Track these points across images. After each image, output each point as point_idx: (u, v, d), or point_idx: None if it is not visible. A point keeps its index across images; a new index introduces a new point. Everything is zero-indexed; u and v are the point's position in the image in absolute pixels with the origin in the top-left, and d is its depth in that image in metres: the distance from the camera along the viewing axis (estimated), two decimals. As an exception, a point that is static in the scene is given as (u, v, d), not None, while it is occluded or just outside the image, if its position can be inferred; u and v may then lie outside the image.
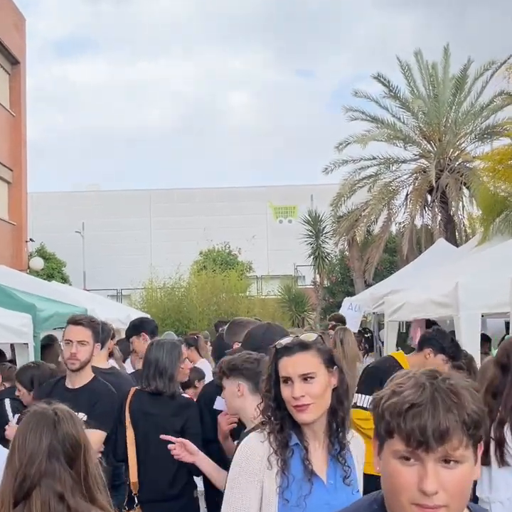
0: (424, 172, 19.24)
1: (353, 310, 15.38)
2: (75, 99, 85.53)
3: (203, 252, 35.76)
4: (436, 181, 18.39)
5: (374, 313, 14.21)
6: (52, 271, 36.74)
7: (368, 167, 19.86)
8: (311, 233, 22.22)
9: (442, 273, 10.11)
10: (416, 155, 19.95)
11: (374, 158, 19.81)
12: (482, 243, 11.87)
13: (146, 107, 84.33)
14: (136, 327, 6.57)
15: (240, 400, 3.47)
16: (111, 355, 9.24)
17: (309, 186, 39.97)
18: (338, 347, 7.98)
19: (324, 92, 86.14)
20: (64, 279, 37.16)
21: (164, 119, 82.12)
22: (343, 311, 15.42)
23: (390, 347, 10.65)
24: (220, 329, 6.61)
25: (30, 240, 26.53)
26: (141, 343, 6.26)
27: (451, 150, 19.42)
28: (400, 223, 20.54)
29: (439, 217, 18.89)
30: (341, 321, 12.93)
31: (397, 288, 12.38)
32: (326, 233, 22.16)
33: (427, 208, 19.45)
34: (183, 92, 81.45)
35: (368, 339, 13.58)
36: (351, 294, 22.75)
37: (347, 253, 26.45)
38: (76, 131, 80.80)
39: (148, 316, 11.98)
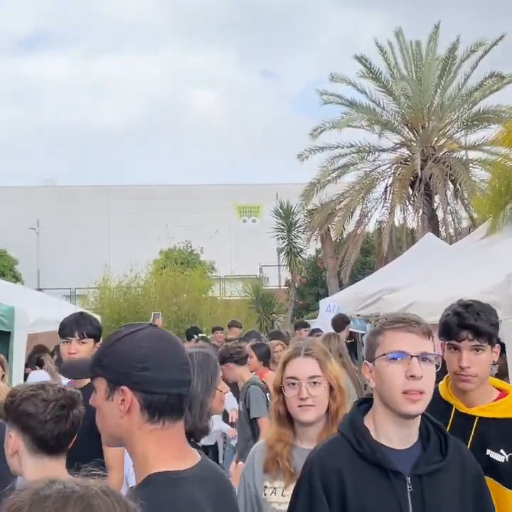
0: (406, 162, 17.13)
1: (332, 311, 13.18)
2: (34, 95, 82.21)
3: (163, 251, 33.39)
4: (420, 172, 16.32)
5: (358, 315, 12.15)
6: (4, 268, 34.05)
7: (345, 155, 17.62)
8: (282, 227, 19.81)
9: (460, 268, 7.95)
10: (397, 143, 17.80)
11: (352, 146, 17.59)
12: (492, 233, 9.75)
13: (107, 104, 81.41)
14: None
15: None
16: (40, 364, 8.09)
17: (274, 185, 37.81)
18: (335, 357, 6.25)
19: (289, 93, 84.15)
20: (16, 278, 34.49)
21: (126, 117, 79.41)
22: (320, 314, 13.23)
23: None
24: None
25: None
26: None
27: (436, 138, 17.32)
28: (377, 220, 18.35)
29: (421, 212, 16.76)
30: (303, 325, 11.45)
31: (390, 286, 10.20)
32: (298, 227, 19.81)
33: (408, 202, 17.32)
34: (145, 90, 78.78)
35: (350, 345, 11.52)
36: (322, 296, 20.55)
37: (319, 249, 24.30)
38: (35, 127, 77.58)
39: (98, 317, 10.03)
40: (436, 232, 16.29)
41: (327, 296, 16.37)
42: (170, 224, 36.48)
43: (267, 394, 5.70)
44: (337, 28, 79.45)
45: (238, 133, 74.05)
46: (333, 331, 9.27)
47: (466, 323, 2.75)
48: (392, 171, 17.43)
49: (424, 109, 17.25)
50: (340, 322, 10.36)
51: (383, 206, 17.91)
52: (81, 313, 4.46)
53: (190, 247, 34.55)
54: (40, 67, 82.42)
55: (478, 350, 2.78)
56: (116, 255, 33.52)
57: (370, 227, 20.71)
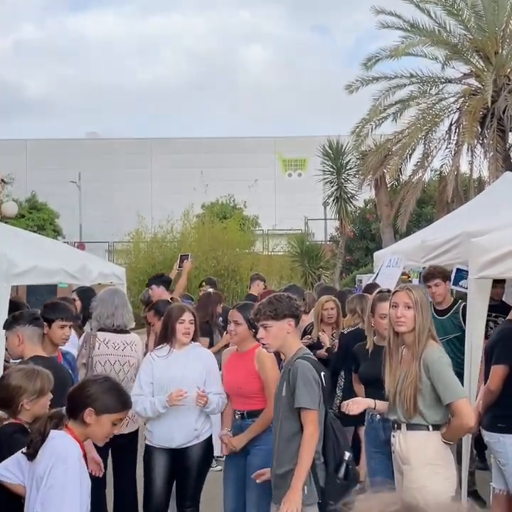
0: (475, 94, 14.22)
1: (393, 266, 10.51)
2: (86, 53, 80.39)
3: (206, 205, 31.10)
4: (491, 105, 13.46)
5: (423, 268, 9.59)
6: (44, 222, 32.30)
7: (404, 86, 14.73)
8: (331, 169, 16.99)
9: None
10: (465, 73, 14.84)
11: (412, 76, 14.70)
12: None
13: (157, 62, 79.08)
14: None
15: None
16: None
17: (322, 137, 34.91)
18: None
19: (339, 48, 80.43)
20: (56, 232, 32.77)
21: (175, 74, 76.93)
22: (381, 268, 10.60)
23: (476, 315, 5.83)
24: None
25: (2, 181, 21.85)
26: None
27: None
28: (440, 163, 15.48)
29: (492, 152, 13.92)
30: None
31: (475, 229, 7.59)
32: (349, 170, 17.00)
33: (477, 141, 14.45)
34: (195, 47, 76.07)
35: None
36: (371, 250, 17.90)
37: (368, 201, 21.50)
38: (86, 85, 75.71)
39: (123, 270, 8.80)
40: (510, 176, 13.44)
41: (377, 250, 13.69)
42: (212, 177, 34.19)
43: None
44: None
45: (287, 88, 70.95)
46: (389, 285, 6.95)
47: None
48: (459, 106, 14.56)
49: (497, 32, 14.29)
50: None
51: (447, 148, 15.10)
52: None
53: (233, 201, 32.29)
54: (92, 25, 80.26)
55: None
56: (158, 209, 31.33)
57: (430, 174, 17.92)
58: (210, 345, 6.74)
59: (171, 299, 5.83)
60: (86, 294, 6.55)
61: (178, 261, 8.78)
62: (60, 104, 71.43)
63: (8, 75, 77.80)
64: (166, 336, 4.86)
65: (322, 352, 6.68)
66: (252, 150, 37.94)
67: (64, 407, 3.09)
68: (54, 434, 2.99)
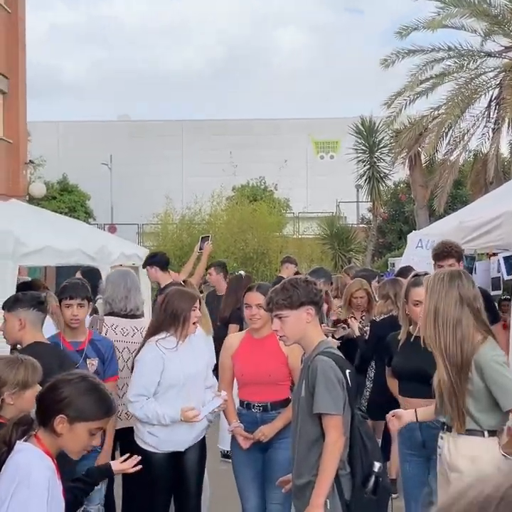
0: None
1: (424, 247, 9.82)
2: (119, 35, 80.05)
3: (237, 187, 30.52)
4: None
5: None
6: (75, 204, 32.04)
7: (441, 60, 13.89)
8: (364, 148, 16.15)
9: None
10: (506, 47, 13.96)
11: (450, 49, 13.86)
12: None
13: (190, 44, 78.42)
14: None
15: None
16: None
17: (355, 119, 34.06)
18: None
19: (374, 30, 78.92)
20: (87, 214, 32.54)
21: (207, 56, 76.19)
22: (409, 250, 9.48)
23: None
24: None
25: (30, 162, 21.46)
26: None
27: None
28: (477, 142, 14.65)
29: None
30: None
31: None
32: (382, 148, 16.16)
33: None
34: (227, 29, 75.20)
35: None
36: (405, 233, 17.13)
37: (400, 182, 20.63)
38: (118, 68, 75.46)
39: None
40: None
41: (410, 232, 12.98)
42: (244, 159, 33.56)
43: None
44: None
45: (321, 69, 69.81)
46: (423, 269, 6.35)
47: None
48: (499, 81, 13.71)
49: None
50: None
51: (485, 126, 14.27)
52: None
53: (264, 183, 31.65)
54: (125, 7, 79.83)
55: None
56: (188, 191, 30.86)
57: (464, 153, 17.03)
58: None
59: (184, 281, 5.24)
60: (91, 274, 5.98)
61: (199, 243, 8.26)
62: (92, 87, 71.30)
63: (43, 58, 77.90)
64: (171, 324, 4.22)
65: (350, 330, 6.17)
66: (283, 132, 37.17)
67: (33, 411, 2.53)
68: (19, 446, 2.44)
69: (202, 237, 8.56)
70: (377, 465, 3.31)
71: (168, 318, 4.21)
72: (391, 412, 3.64)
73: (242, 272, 7.20)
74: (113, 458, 4.74)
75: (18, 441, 2.45)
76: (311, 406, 3.22)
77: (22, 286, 6.58)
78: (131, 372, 4.37)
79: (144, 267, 7.06)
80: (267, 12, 78.12)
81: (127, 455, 3.08)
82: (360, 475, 3.30)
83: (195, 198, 21.29)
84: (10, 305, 3.88)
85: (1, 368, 2.96)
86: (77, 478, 2.86)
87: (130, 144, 37.50)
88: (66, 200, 31.74)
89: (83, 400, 2.46)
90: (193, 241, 19.65)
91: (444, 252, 5.19)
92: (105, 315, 4.84)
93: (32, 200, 20.81)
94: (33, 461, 2.39)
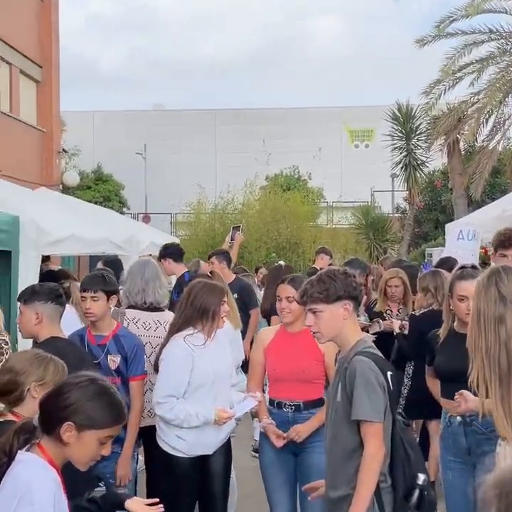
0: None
1: (466, 239, 9.41)
2: (154, 26, 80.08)
3: (269, 176, 30.22)
4: None
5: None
6: (109, 193, 32.08)
7: (481, 43, 13.34)
8: (400, 134, 15.61)
9: None
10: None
11: (491, 32, 13.31)
12: None
13: (225, 33, 78.12)
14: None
15: None
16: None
17: (391, 106, 33.33)
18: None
19: (411, 17, 77.63)
20: (121, 203, 32.56)
21: (242, 45, 75.84)
22: (450, 242, 9.61)
23: None
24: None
25: (63, 150, 21.37)
26: None
27: None
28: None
29: None
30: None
31: None
32: (419, 134, 15.61)
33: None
34: (262, 18, 74.73)
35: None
36: (441, 222, 16.64)
37: (437, 170, 20.05)
38: (154, 57, 75.52)
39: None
40: None
41: (447, 222, 12.50)
42: (278, 148, 33.19)
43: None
44: None
45: (356, 58, 68.99)
46: (467, 262, 6.00)
47: None
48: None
49: None
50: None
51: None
52: None
53: (298, 172, 31.28)
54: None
55: None
56: (222, 180, 30.65)
57: (503, 141, 16.43)
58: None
59: (211, 273, 4.93)
60: (113, 264, 5.69)
61: (231, 232, 8.00)
62: (128, 77, 71.50)
63: (80, 49, 78.31)
64: (199, 320, 3.92)
65: (388, 323, 5.85)
66: (317, 120, 36.68)
67: (36, 417, 2.25)
68: (21, 456, 2.16)
69: (233, 227, 8.34)
70: (421, 477, 2.97)
71: (196, 313, 3.91)
72: (459, 392, 3.30)
73: (281, 262, 6.90)
74: (135, 459, 4.49)
75: (19, 451, 2.18)
76: (348, 412, 2.89)
77: (46, 276, 6.35)
78: (154, 368, 4.09)
79: (158, 260, 6.77)
80: (301, 0, 77.41)
81: (156, 500, 2.71)
82: (402, 488, 2.97)
83: (227, 187, 21.06)
84: (26, 297, 3.67)
85: (27, 362, 2.74)
86: (92, 499, 2.57)
87: (164, 133, 37.40)
88: (101, 189, 31.79)
89: (92, 405, 2.19)
90: (225, 230, 19.42)
91: (508, 239, 4.75)
92: (126, 308, 4.56)
93: (66, 190, 20.77)
94: (36, 474, 2.12)
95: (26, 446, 2.20)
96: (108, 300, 4.03)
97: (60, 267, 9.38)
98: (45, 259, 10.10)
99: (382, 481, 2.95)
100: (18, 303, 3.82)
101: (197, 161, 36.53)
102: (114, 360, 4.00)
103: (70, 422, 2.15)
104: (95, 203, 21.53)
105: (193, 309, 3.90)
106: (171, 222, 30.38)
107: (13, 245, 5.71)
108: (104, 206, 21.66)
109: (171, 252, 6.63)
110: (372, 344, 3.06)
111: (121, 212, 28.24)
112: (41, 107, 20.09)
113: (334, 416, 3.00)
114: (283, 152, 33.27)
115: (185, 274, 6.53)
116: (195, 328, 3.92)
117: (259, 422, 4.15)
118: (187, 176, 34.35)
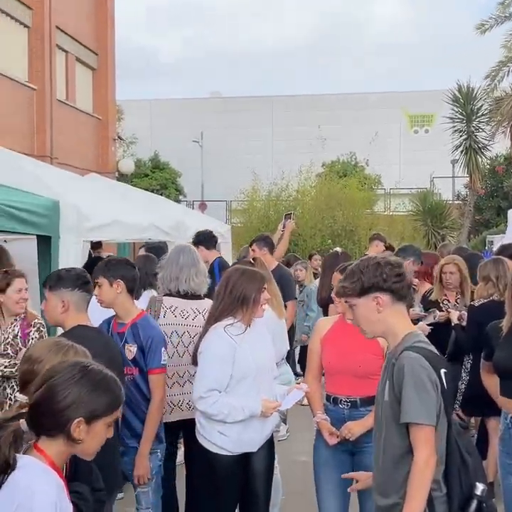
0: None
1: (529, 225, 8.95)
2: (211, 14, 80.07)
3: (326, 163, 29.78)
4: None
5: None
6: (166, 181, 32.18)
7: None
8: (461, 117, 14.92)
9: None
10: None
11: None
12: None
13: (281, 20, 77.51)
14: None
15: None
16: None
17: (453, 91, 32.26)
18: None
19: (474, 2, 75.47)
20: (178, 191, 32.63)
21: (299, 31, 75.14)
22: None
23: None
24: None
25: (119, 138, 21.39)
26: None
27: None
28: None
29: None
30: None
31: None
32: (480, 116, 14.91)
33: None
34: (320, 3, 73.78)
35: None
36: (504, 210, 15.96)
37: (499, 155, 19.28)
38: (211, 46, 75.54)
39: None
40: None
41: (510, 208, 11.88)
42: (335, 135, 32.69)
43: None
44: None
45: (415, 43, 67.48)
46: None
47: None
48: None
49: None
50: None
51: None
52: None
53: (355, 159, 30.72)
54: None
55: None
56: (277, 166, 30.33)
57: None
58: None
59: (254, 259, 4.66)
60: (156, 250, 5.47)
61: (283, 221, 7.72)
62: (187, 66, 71.80)
63: (140, 39, 78.92)
64: (239, 309, 3.66)
65: (444, 313, 5.53)
66: (375, 106, 35.94)
67: (21, 421, 2.04)
68: (20, 462, 1.96)
69: (285, 215, 8.06)
70: (480, 487, 2.64)
71: (235, 301, 3.65)
72: None
73: (338, 249, 6.52)
74: (174, 452, 4.30)
75: (17, 455, 1.98)
76: (397, 414, 2.58)
77: (91, 263, 6.21)
78: (192, 359, 3.85)
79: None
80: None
81: None
82: (458, 498, 2.64)
83: (282, 174, 20.74)
84: (52, 283, 3.44)
85: (45, 349, 2.54)
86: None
87: (220, 120, 37.29)
88: (158, 177, 31.90)
89: (94, 395, 2.06)
90: (278, 218, 19.15)
91: None
92: (164, 295, 4.33)
93: (123, 177, 20.82)
94: (36, 479, 1.92)
95: (22, 449, 2.01)
96: (111, 285, 3.78)
97: (111, 254, 9.26)
98: (97, 246, 10.01)
99: (436, 489, 2.63)
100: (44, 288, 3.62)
101: (253, 148, 36.32)
102: (131, 350, 3.78)
103: (79, 418, 2.01)
104: (152, 191, 21.55)
105: (232, 297, 3.65)
106: (226, 210, 30.24)
107: (53, 230, 5.55)
108: (161, 194, 21.61)
109: (203, 239, 6.42)
110: (424, 338, 2.73)
111: (178, 201, 28.30)
112: (97, 95, 20.13)
113: (382, 417, 2.70)
114: (339, 138, 32.73)
115: (214, 262, 6.31)
116: (235, 318, 3.67)
117: (313, 416, 3.86)
118: (243, 162, 34.19)
